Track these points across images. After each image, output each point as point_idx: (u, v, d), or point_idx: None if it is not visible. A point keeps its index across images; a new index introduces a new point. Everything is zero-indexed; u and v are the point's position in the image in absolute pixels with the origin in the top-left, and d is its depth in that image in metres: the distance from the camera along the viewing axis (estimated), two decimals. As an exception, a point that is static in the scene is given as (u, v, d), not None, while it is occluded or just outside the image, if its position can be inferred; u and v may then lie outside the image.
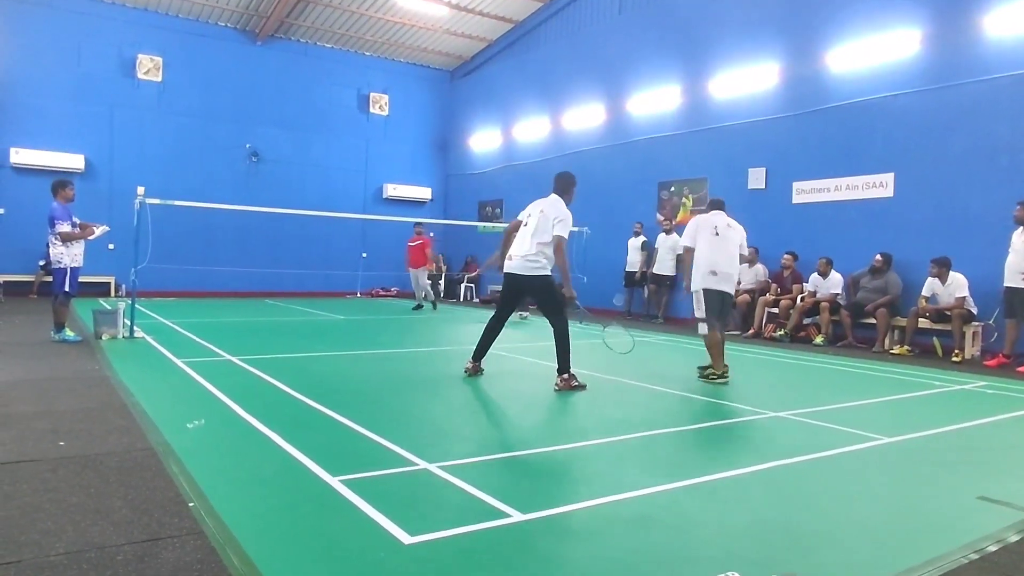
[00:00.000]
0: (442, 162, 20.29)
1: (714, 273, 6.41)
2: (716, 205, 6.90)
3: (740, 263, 6.78)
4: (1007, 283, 8.03)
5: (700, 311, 6.47)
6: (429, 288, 13.84)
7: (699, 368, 6.69)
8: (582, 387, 5.83)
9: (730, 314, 6.93)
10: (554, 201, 6.05)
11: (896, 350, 9.08)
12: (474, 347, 6.40)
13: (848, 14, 10.47)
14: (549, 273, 5.98)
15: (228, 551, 2.45)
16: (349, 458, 3.69)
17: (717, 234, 6.50)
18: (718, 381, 6.33)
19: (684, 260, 6.75)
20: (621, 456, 4.04)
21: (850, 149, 10.41)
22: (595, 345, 8.02)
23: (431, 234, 13.66)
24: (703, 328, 6.46)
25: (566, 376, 5.85)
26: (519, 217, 6.24)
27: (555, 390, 5.78)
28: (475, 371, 6.32)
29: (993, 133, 8.90)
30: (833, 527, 2.97)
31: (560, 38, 16.41)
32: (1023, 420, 5.32)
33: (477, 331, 6.44)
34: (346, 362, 7.40)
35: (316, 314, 12.55)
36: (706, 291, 6.43)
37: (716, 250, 6.47)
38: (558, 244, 5.84)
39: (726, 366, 6.45)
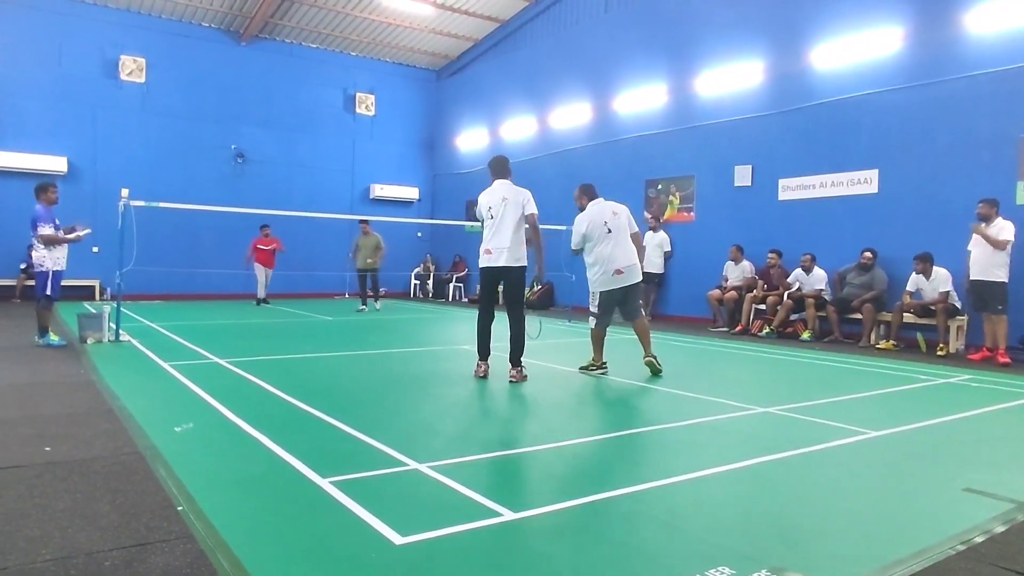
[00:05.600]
0: (429, 162, 20.25)
1: (619, 272, 6.30)
2: (589, 192, 6.59)
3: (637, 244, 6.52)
4: (973, 277, 8.13)
5: (594, 307, 6.47)
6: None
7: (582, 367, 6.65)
8: (525, 379, 6.03)
9: (639, 300, 6.68)
10: (510, 185, 6.16)
11: (882, 345, 9.16)
12: (475, 348, 6.31)
13: (831, 12, 10.55)
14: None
15: (218, 554, 2.43)
16: (339, 459, 3.68)
17: (609, 230, 6.30)
18: (596, 373, 6.47)
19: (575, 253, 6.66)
20: (611, 453, 4.06)
21: (835, 146, 10.49)
22: (580, 343, 8.04)
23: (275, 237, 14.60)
24: (592, 321, 6.52)
25: (521, 367, 6.02)
26: (480, 212, 6.21)
27: (511, 382, 5.89)
28: (487, 373, 6.21)
29: (974, 129, 9.00)
30: (822, 521, 3.00)
31: (546, 37, 16.41)
32: (1006, 412, 5.39)
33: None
34: (335, 363, 7.36)
35: (304, 315, 12.49)
36: (606, 293, 6.38)
37: (614, 246, 6.30)
38: (535, 222, 6.02)
39: (650, 356, 6.45)
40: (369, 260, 13.66)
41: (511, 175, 6.28)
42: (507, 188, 6.12)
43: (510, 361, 6.06)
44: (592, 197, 6.57)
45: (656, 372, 6.40)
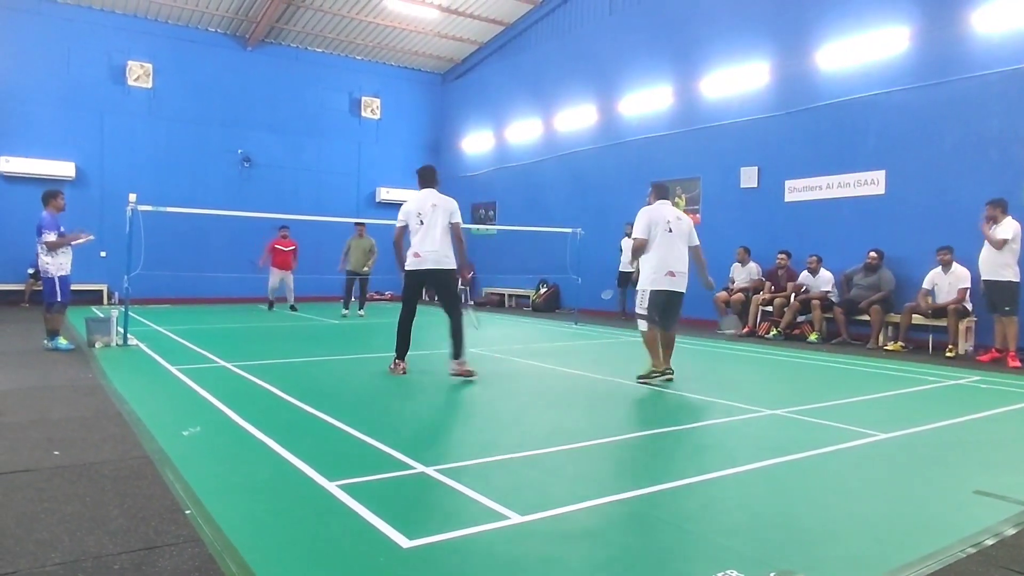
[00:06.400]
0: (435, 164, 20.19)
1: (671, 274, 6.20)
2: (660, 193, 6.55)
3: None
4: (983, 277, 8.11)
5: (643, 309, 6.21)
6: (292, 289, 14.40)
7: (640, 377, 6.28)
8: (472, 373, 6.17)
9: (679, 312, 6.48)
10: (438, 193, 6.56)
11: (890, 346, 9.11)
12: (396, 346, 6.56)
13: (837, 12, 10.52)
14: None
15: (226, 558, 2.43)
16: (346, 462, 3.68)
17: (670, 230, 6.24)
18: (658, 380, 6.15)
19: (636, 249, 6.31)
20: (618, 456, 4.05)
21: (841, 147, 10.45)
22: (586, 346, 8.02)
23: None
24: (643, 324, 6.24)
25: (463, 360, 6.21)
26: (404, 219, 6.43)
27: (451, 374, 6.11)
28: (405, 371, 6.47)
29: (983, 128, 8.95)
30: (831, 523, 2.98)
31: (551, 39, 16.43)
32: (1016, 414, 5.36)
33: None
34: (341, 366, 7.38)
35: (310, 319, 12.51)
36: (655, 292, 6.20)
37: (672, 247, 6.23)
38: (460, 231, 6.44)
39: (668, 366, 6.26)
40: (365, 268, 13.44)
41: (439, 184, 6.70)
42: (436, 196, 6.49)
43: (452, 356, 6.24)
44: (661, 198, 6.57)
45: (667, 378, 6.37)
